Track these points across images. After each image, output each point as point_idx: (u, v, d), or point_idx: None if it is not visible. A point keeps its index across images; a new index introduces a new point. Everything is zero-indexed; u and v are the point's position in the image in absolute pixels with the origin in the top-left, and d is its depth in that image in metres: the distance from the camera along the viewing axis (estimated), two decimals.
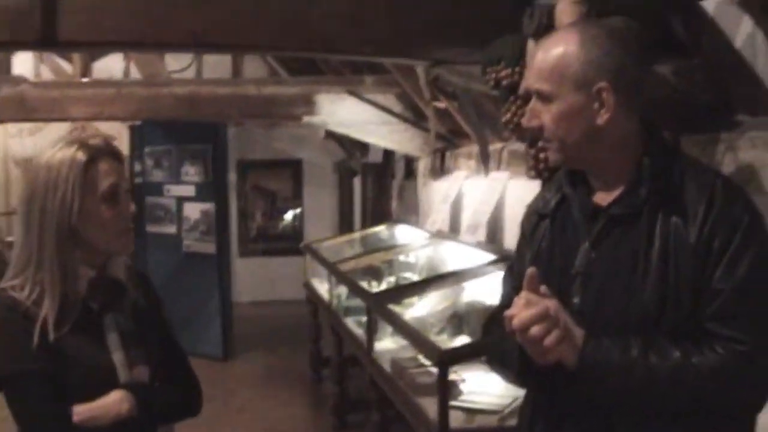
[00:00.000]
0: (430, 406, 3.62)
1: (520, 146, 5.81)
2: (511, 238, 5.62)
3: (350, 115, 7.28)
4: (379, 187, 9.57)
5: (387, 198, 9.27)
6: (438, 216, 6.75)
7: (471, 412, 3.57)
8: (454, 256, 5.95)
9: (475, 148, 6.71)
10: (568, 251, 1.98)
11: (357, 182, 10.72)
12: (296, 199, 12.35)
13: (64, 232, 2.16)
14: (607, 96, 1.88)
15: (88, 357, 2.20)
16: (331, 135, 10.36)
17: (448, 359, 3.41)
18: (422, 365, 4.18)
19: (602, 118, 1.90)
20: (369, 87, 7.17)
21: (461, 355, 3.53)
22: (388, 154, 9.17)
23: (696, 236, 1.83)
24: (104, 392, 2.19)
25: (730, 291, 1.79)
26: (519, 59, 3.19)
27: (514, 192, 5.65)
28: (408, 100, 7.18)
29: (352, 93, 7.19)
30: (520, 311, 1.80)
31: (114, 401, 2.18)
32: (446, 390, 3.37)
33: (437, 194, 7.13)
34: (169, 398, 2.36)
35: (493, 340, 2.14)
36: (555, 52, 1.92)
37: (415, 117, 7.35)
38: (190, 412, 2.44)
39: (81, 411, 2.15)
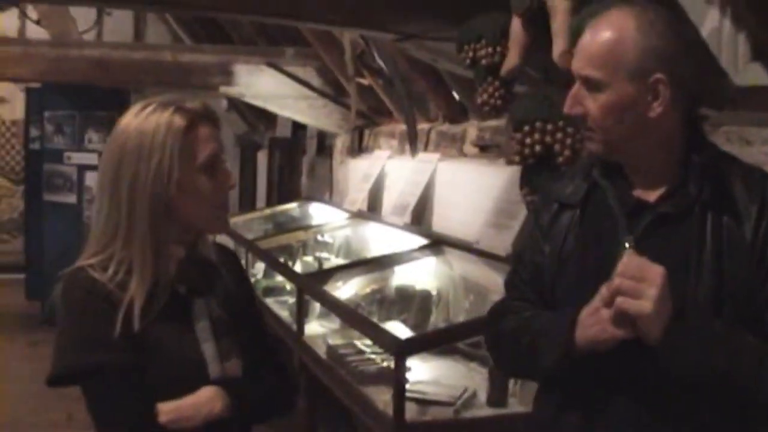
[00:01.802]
0: (378, 396, 3.48)
1: (449, 128, 5.73)
2: (439, 221, 5.52)
3: (268, 87, 7.04)
4: (287, 163, 9.32)
5: (296, 175, 9.03)
6: (359, 195, 6.59)
7: (423, 403, 3.42)
8: (378, 237, 5.80)
9: (398, 128, 6.58)
10: (605, 248, 1.83)
11: (261, 157, 10.42)
12: None
13: (160, 204, 1.90)
14: (664, 88, 1.77)
15: (175, 348, 1.94)
16: (233, 107, 10.06)
17: (406, 349, 3.26)
18: (362, 352, 4.03)
19: (654, 112, 1.78)
20: (289, 59, 6.93)
21: (420, 345, 3.38)
22: (297, 128, 8.92)
23: (752, 235, 1.76)
24: (192, 388, 1.93)
25: None
26: (501, 38, 3.05)
27: (444, 174, 5.54)
28: (329, 75, 6.99)
29: (272, 65, 6.94)
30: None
31: (206, 399, 1.93)
32: (403, 381, 3.21)
33: (356, 173, 6.96)
34: (264, 395, 2.08)
35: (508, 328, 2.00)
36: (609, 36, 1.78)
37: (335, 92, 7.16)
38: (285, 408, 2.18)
39: (168, 410, 1.89)
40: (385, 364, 3.81)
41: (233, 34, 8.41)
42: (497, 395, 3.43)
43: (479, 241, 4.52)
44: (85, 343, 1.90)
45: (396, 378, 3.21)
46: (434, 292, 4.77)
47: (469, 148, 5.36)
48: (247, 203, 10.79)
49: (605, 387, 1.82)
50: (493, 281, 4.35)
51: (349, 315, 4.02)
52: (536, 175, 2.92)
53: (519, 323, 1.96)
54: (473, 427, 3.36)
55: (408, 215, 5.63)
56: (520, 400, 3.44)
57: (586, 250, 1.89)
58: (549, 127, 2.84)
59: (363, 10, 3.36)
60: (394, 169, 6.32)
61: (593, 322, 1.73)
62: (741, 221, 1.77)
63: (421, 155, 5.89)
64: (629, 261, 1.69)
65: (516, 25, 2.98)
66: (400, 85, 5.80)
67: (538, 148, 2.85)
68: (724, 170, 1.84)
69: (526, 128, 2.85)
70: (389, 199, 6.19)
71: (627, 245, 1.76)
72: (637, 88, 1.77)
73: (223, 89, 6.98)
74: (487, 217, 4.60)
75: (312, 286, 4.49)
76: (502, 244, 4.29)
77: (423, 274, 4.92)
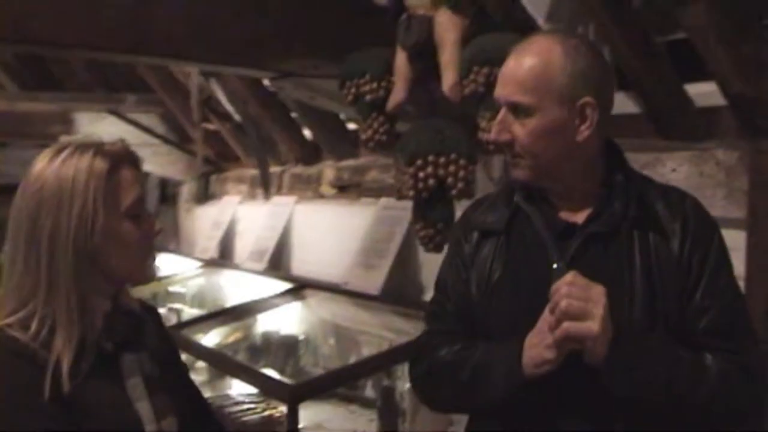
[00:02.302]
0: None
1: (303, 170, 5.67)
2: (299, 265, 5.43)
3: (110, 135, 6.74)
4: None
5: None
6: (210, 243, 6.43)
7: None
8: (235, 284, 5.65)
9: (246, 172, 6.47)
10: (535, 273, 1.82)
11: None
12: None
13: (83, 254, 1.74)
14: (591, 111, 1.78)
15: (109, 409, 1.75)
16: None
17: (300, 396, 3.15)
18: (240, 402, 3.88)
19: (582, 135, 1.80)
20: (131, 106, 6.69)
21: (313, 391, 3.27)
22: None
23: (678, 250, 1.81)
24: None
25: (720, 308, 1.79)
26: (385, 73, 3.02)
27: (302, 217, 5.47)
28: (172, 121, 6.80)
29: (113, 112, 6.69)
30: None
31: None
32: (296, 429, 3.10)
33: (205, 220, 6.79)
34: None
35: (441, 362, 1.94)
36: (537, 61, 1.79)
37: (179, 139, 6.97)
38: None
39: None
40: (267, 413, 3.70)
41: (67, 83, 8.05)
42: None
43: (348, 282, 4.47)
44: (10, 410, 1.70)
45: (289, 426, 3.11)
46: (301, 337, 4.69)
47: (326, 188, 5.32)
48: None
49: (552, 408, 1.80)
50: (363, 321, 4.31)
51: (230, 365, 3.86)
52: (430, 208, 2.89)
53: (454, 357, 1.91)
54: None
55: (266, 261, 5.53)
56: None
57: (516, 277, 1.88)
58: (441, 159, 2.83)
59: (242, 49, 3.27)
60: (246, 214, 6.21)
61: (538, 341, 1.74)
62: (667, 237, 1.81)
63: (276, 198, 5.81)
64: (573, 281, 1.69)
65: (401, 59, 2.97)
66: (251, 128, 5.70)
67: (431, 181, 2.82)
68: (644, 190, 1.88)
69: (419, 162, 2.83)
70: (244, 246, 6.06)
71: (555, 266, 1.77)
72: (566, 112, 1.78)
73: (63, 139, 6.65)
74: (353, 257, 4.56)
75: (181, 338, 4.30)
76: (373, 284, 4.25)
77: (288, 320, 4.82)
